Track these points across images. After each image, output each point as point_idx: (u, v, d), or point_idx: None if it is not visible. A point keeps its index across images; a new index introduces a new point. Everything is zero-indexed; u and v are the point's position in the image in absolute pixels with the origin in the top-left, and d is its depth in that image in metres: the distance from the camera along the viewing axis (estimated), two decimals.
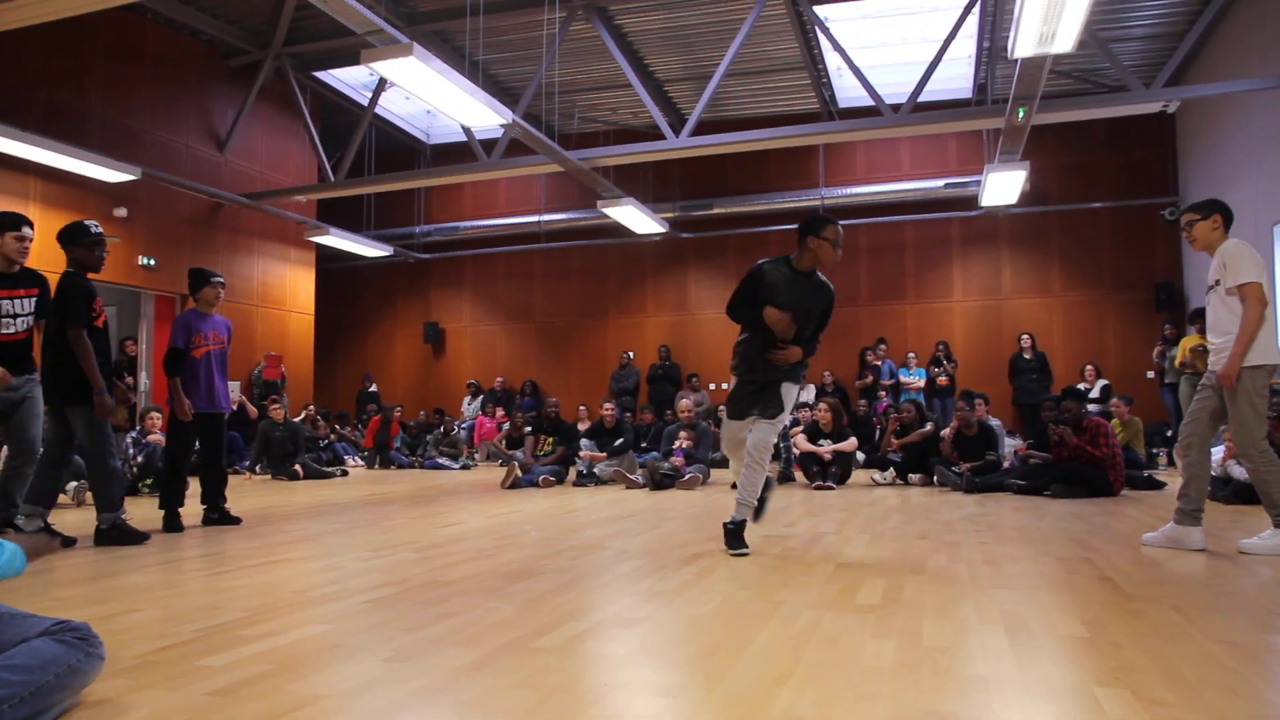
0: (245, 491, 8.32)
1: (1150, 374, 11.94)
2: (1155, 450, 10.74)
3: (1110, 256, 13.31)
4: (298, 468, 10.05)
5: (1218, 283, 4.31)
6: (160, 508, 5.40)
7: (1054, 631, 2.61)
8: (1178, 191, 12.90)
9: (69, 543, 4.52)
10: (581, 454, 9.08)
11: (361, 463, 12.95)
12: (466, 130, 11.21)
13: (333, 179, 12.13)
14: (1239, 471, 6.50)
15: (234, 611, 2.96)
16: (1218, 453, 7.02)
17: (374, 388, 15.88)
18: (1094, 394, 11.39)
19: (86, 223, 4.82)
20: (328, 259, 15.33)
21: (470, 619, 2.83)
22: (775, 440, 4.42)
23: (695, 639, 2.58)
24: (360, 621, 2.81)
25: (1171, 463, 10.01)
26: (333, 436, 13.06)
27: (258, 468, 10.45)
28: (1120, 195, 13.18)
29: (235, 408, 7.32)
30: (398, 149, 15.80)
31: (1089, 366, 11.90)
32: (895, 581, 3.39)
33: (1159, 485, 7.80)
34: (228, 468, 10.34)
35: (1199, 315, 10.19)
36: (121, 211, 10.84)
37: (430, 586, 3.38)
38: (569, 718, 1.88)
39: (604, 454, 9.08)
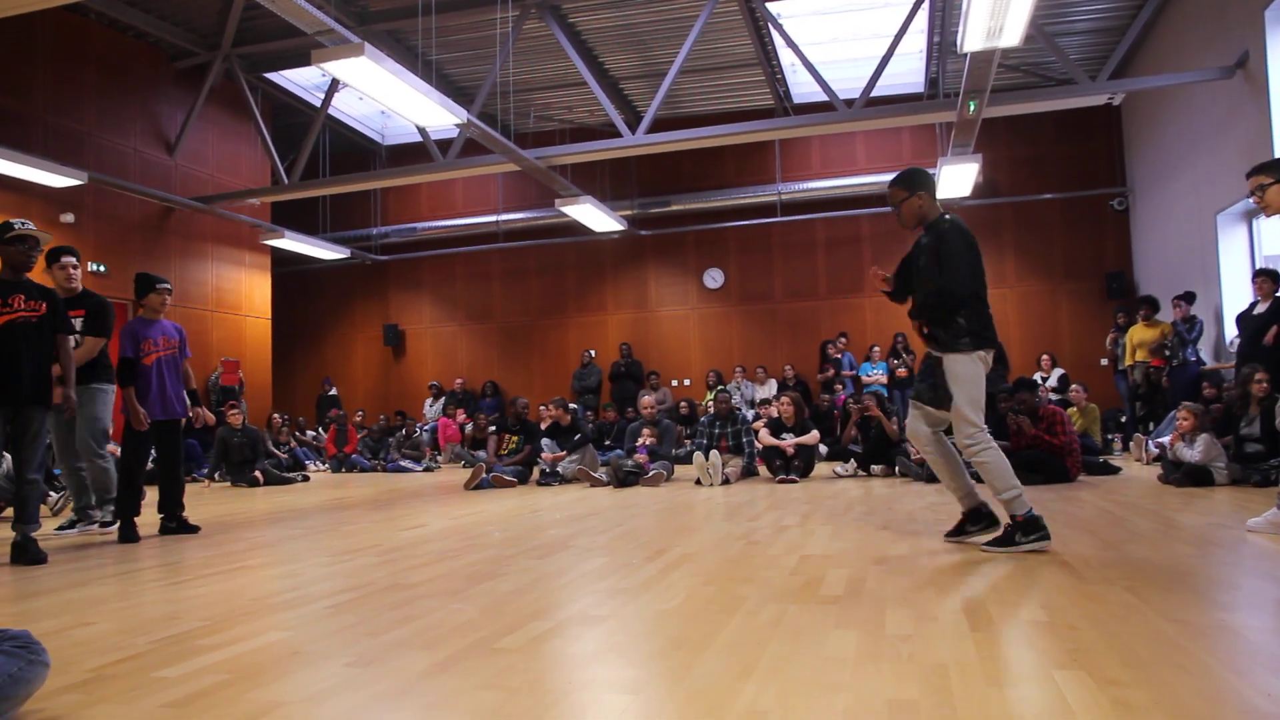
0: (204, 499, 8.19)
1: (1104, 361, 12.16)
2: (1110, 436, 10.96)
3: (1062, 247, 13.55)
4: (258, 474, 9.91)
5: None
6: (115, 518, 5.29)
7: (1013, 617, 2.65)
8: (1125, 182, 13.16)
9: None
10: (544, 456, 9.04)
11: (323, 467, 12.80)
12: (422, 130, 11.11)
13: (286, 181, 11.97)
14: (1189, 454, 6.65)
15: (191, 621, 2.91)
16: (1167, 439, 7.18)
17: (334, 391, 15.71)
18: (1051, 383, 11.58)
19: (13, 221, 4.66)
20: (284, 262, 15.13)
21: (433, 621, 2.80)
22: (984, 447, 3.90)
23: (659, 635, 2.58)
24: (321, 627, 2.77)
25: (1126, 448, 10.22)
26: (293, 442, 12.89)
27: (216, 475, 10.28)
28: (1070, 186, 13.42)
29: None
30: (353, 150, 15.64)
31: (1045, 356, 12.10)
32: (858, 572, 3.42)
33: (1115, 470, 7.94)
34: (186, 475, 10.23)
35: (1145, 303, 10.42)
36: (69, 217, 10.61)
37: (392, 590, 3.35)
38: (532, 717, 1.87)
39: (564, 452, 9.05)
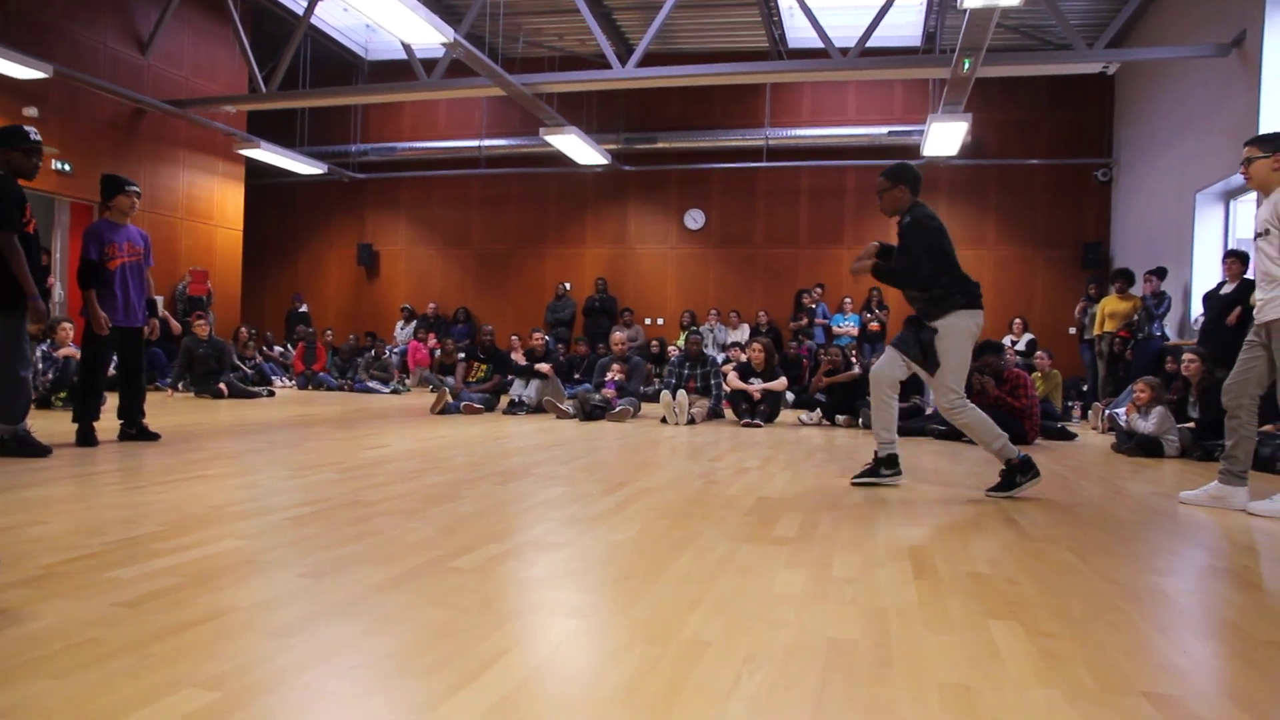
0: (167, 409, 8.14)
1: (1072, 330, 12.30)
2: (1070, 403, 11.14)
3: (1043, 213, 13.59)
4: (222, 386, 9.85)
5: (1267, 231, 4.06)
6: (74, 421, 5.25)
7: (957, 568, 2.72)
8: (1111, 153, 13.17)
9: None
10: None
11: (290, 384, 12.74)
12: (407, 47, 10.84)
13: (264, 90, 11.69)
14: (1144, 425, 6.79)
15: (147, 525, 2.92)
16: (1122, 412, 7.32)
17: (304, 308, 15.56)
18: (1020, 347, 11.72)
19: (26, 129, 4.72)
20: (258, 174, 14.82)
21: (389, 538, 2.83)
22: (962, 408, 4.29)
23: (613, 564, 2.62)
24: (277, 538, 2.79)
25: (1084, 416, 10.40)
26: (260, 357, 12.80)
27: (180, 385, 10.21)
28: (1057, 153, 13.41)
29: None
30: (334, 63, 15.23)
31: (1017, 320, 12.22)
32: (812, 517, 3.48)
33: (1071, 436, 8.08)
34: (149, 384, 10.14)
35: (1120, 276, 10.51)
36: (31, 110, 10.27)
37: (351, 506, 3.37)
38: (481, 635, 1.90)
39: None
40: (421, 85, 10.95)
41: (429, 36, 8.55)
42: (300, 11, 12.72)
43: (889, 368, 4.42)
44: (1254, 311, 4.17)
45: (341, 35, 14.74)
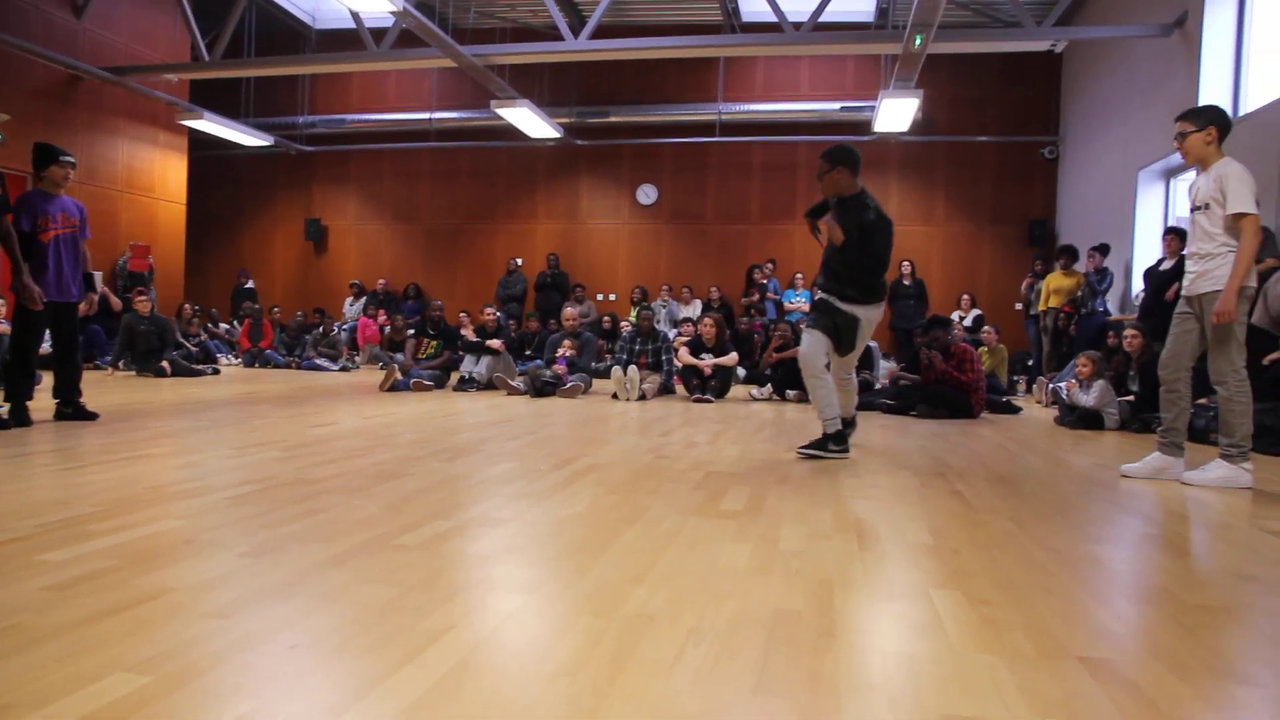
0: (106, 388, 7.95)
1: (1019, 305, 12.50)
2: (1016, 378, 11.34)
3: (991, 190, 13.77)
4: (165, 364, 9.63)
5: (1207, 205, 4.08)
6: (5, 400, 5.09)
7: (902, 539, 2.75)
8: (1057, 131, 13.36)
9: None
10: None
11: (236, 362, 12.51)
12: (355, 16, 10.60)
13: (207, 58, 11.37)
14: (1084, 399, 6.94)
15: (83, 506, 2.84)
16: (1064, 386, 7.46)
17: (250, 284, 15.25)
18: (967, 322, 11.89)
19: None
20: (202, 145, 14.45)
21: (333, 516, 2.79)
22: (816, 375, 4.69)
23: (559, 539, 2.62)
24: (218, 517, 2.74)
25: (1029, 390, 10.60)
26: (204, 334, 12.53)
27: (121, 363, 9.95)
28: (1005, 130, 13.57)
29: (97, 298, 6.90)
30: (281, 31, 14.84)
31: (965, 296, 12.39)
32: (760, 490, 3.51)
33: (1015, 410, 8.23)
34: (88, 363, 9.88)
35: (1065, 252, 10.70)
36: None
37: (295, 485, 3.32)
38: (424, 612, 1.88)
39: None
40: (370, 55, 10.75)
41: (378, 5, 8.38)
42: None
43: (816, 350, 4.66)
44: (1185, 284, 4.26)
45: (288, 2, 14.38)
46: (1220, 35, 8.34)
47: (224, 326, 13.88)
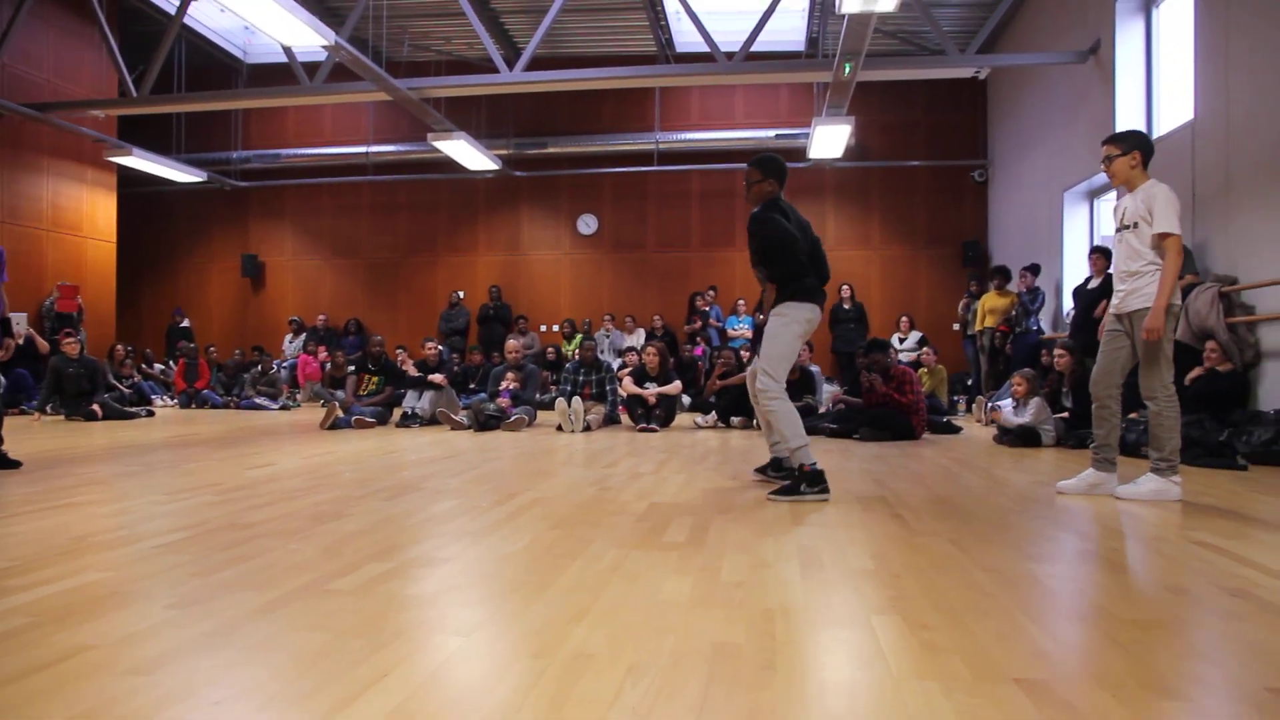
0: (32, 433, 7.68)
1: (956, 326, 12.76)
2: (956, 398, 11.55)
3: (925, 213, 14.08)
4: (96, 408, 9.35)
5: (1135, 224, 4.20)
6: None
7: (843, 565, 2.76)
8: (986, 155, 13.73)
9: None
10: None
11: (171, 403, 12.20)
12: (287, 50, 10.50)
13: (135, 94, 11.14)
14: (1013, 419, 7.08)
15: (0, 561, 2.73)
16: (1004, 403, 7.62)
17: (186, 323, 14.92)
18: (908, 344, 12.09)
19: None
20: (132, 182, 14.16)
21: (267, 561, 2.72)
22: (778, 397, 4.18)
23: (500, 578, 2.58)
24: (145, 567, 2.65)
25: (969, 410, 10.79)
26: (138, 375, 12.21)
27: (48, 408, 9.63)
28: (936, 155, 13.91)
29: (21, 341, 6.69)
30: (212, 66, 14.65)
31: (904, 318, 12.61)
32: (702, 520, 3.50)
33: (956, 430, 8.37)
34: (13, 408, 9.54)
35: (998, 273, 10.96)
36: None
37: (228, 529, 3.23)
38: (358, 658, 1.84)
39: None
40: (304, 90, 10.64)
41: (309, 39, 8.31)
42: (173, 10, 12.16)
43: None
44: (1114, 302, 4.38)
45: (219, 37, 14.21)
46: (1131, 62, 8.67)
47: (159, 367, 13.54)
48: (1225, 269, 6.68)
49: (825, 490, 4.02)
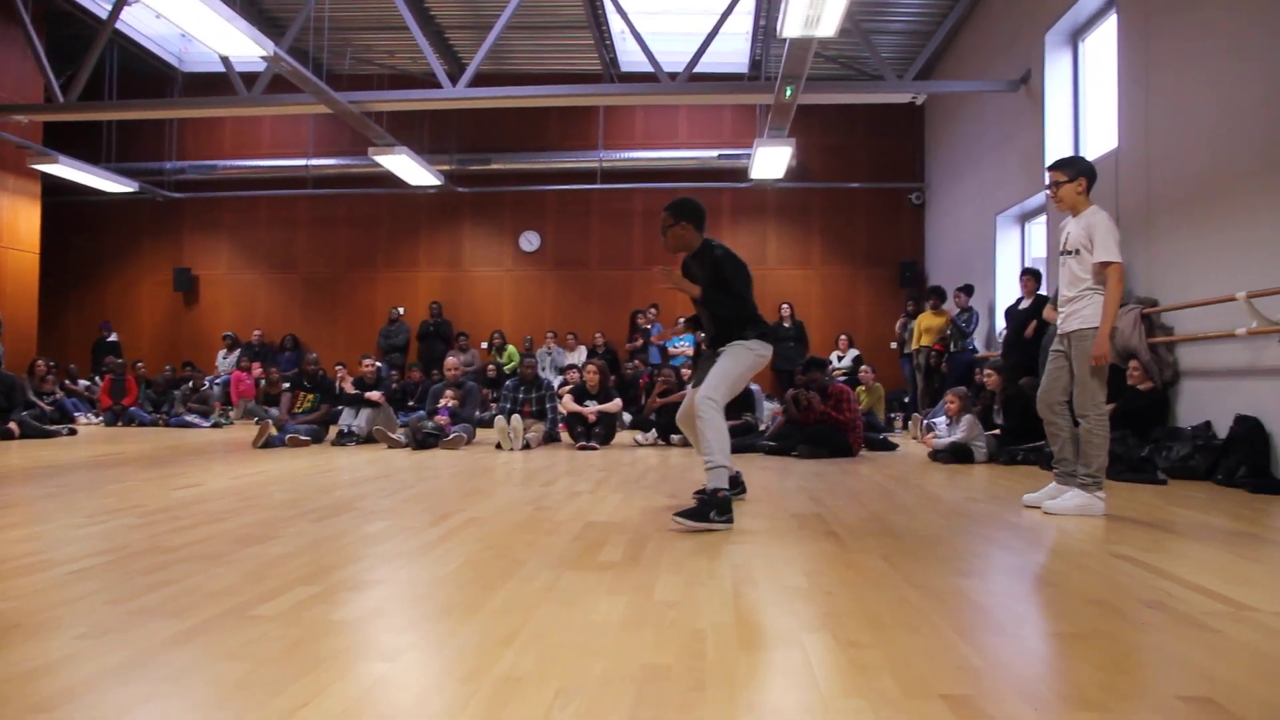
0: None
1: (893, 344, 12.96)
2: (893, 415, 11.72)
3: (864, 234, 14.31)
4: (13, 425, 9.00)
5: (1077, 250, 4.34)
6: None
7: (777, 583, 2.77)
8: (923, 178, 14.02)
9: None
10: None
11: (97, 420, 11.82)
12: (225, 60, 10.30)
13: (62, 100, 10.82)
14: (944, 437, 7.21)
15: None
16: (939, 419, 7.77)
17: (114, 337, 14.47)
18: (846, 363, 12.25)
19: None
20: (58, 191, 13.71)
21: (187, 587, 2.63)
22: (717, 410, 4.01)
23: (430, 601, 2.53)
24: (55, 595, 2.54)
25: (905, 427, 10.96)
26: (60, 392, 11.81)
27: None
28: (874, 178, 14.17)
29: None
30: (146, 74, 14.30)
31: (842, 337, 12.77)
32: (638, 539, 3.49)
33: (893, 447, 8.49)
34: None
35: (934, 293, 11.18)
36: None
37: (148, 554, 3.12)
38: (277, 688, 1.78)
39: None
40: (241, 101, 10.43)
41: (248, 50, 8.17)
42: (104, 14, 11.85)
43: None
44: (1059, 323, 4.51)
45: (153, 44, 13.88)
46: (1060, 91, 8.95)
47: (83, 383, 13.12)
48: (1146, 291, 6.90)
49: (731, 519, 3.77)
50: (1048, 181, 4.57)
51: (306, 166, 14.43)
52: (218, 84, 12.91)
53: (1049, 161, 8.63)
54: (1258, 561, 3.20)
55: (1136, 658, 2.07)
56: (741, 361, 4.11)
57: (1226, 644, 2.15)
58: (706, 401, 3.99)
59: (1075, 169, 4.46)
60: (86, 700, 1.72)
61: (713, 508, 3.75)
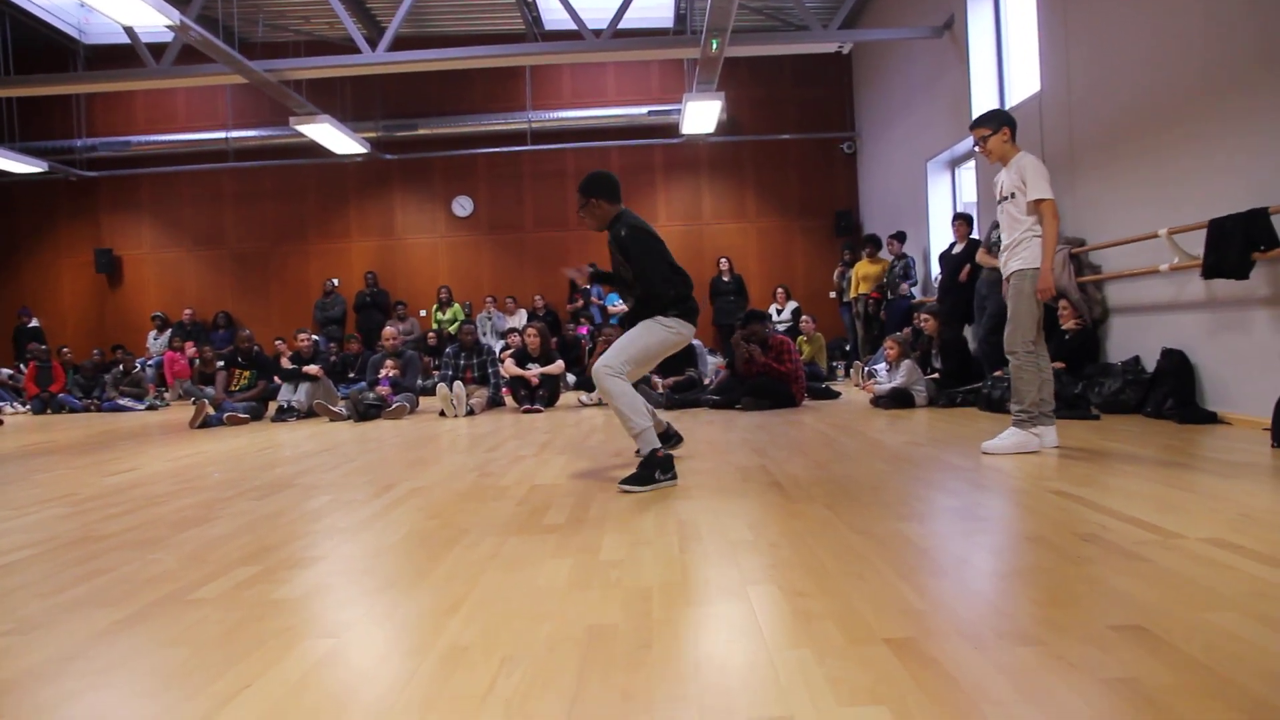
0: None
1: (832, 294, 13.08)
2: (835, 364, 11.88)
3: (797, 185, 14.35)
4: None
5: (1012, 195, 4.47)
6: None
7: (722, 537, 2.79)
8: (854, 127, 14.07)
9: None
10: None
11: (24, 409, 11.43)
12: (129, 30, 9.86)
13: None
14: (884, 384, 7.33)
15: None
16: (879, 365, 7.87)
17: (35, 323, 13.96)
18: (784, 316, 12.34)
19: None
20: None
21: (122, 575, 2.56)
22: (615, 376, 3.88)
23: (374, 574, 2.50)
24: None
25: (847, 375, 11.12)
26: None
27: None
28: (805, 129, 14.18)
29: None
30: (45, 46, 13.59)
31: (780, 289, 12.85)
32: (583, 500, 3.48)
33: (835, 395, 8.59)
34: None
35: (869, 241, 11.28)
36: None
37: (80, 543, 3.03)
38: (218, 671, 1.75)
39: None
40: (149, 72, 10.02)
41: (151, 19, 7.84)
42: None
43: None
44: (1001, 266, 4.63)
45: (50, 15, 13.17)
46: (983, 37, 9.01)
47: (7, 372, 12.66)
48: (1074, 231, 7.04)
49: (674, 474, 3.80)
50: (973, 142, 4.65)
51: (226, 139, 13.96)
52: (124, 56, 12.36)
53: (976, 107, 8.78)
54: (1186, 490, 3.31)
55: (1072, 591, 2.13)
56: (651, 335, 3.99)
57: (1156, 572, 2.23)
58: (602, 369, 3.87)
59: (997, 120, 4.57)
60: (16, 697, 1.66)
61: (655, 468, 3.74)
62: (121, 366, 12.23)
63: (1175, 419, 5.49)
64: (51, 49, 13.70)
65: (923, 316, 7.81)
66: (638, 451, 3.89)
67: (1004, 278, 4.64)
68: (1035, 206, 4.41)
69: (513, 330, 10.17)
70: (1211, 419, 5.40)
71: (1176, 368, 5.73)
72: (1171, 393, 5.69)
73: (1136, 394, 5.97)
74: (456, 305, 13.54)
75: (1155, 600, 2.00)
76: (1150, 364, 6.06)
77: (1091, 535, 2.62)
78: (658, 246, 4.03)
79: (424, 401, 9.10)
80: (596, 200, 4.15)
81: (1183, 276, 5.84)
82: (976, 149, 4.69)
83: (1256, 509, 2.91)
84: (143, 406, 11.24)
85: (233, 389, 9.00)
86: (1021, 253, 4.47)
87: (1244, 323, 5.34)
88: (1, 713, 1.59)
